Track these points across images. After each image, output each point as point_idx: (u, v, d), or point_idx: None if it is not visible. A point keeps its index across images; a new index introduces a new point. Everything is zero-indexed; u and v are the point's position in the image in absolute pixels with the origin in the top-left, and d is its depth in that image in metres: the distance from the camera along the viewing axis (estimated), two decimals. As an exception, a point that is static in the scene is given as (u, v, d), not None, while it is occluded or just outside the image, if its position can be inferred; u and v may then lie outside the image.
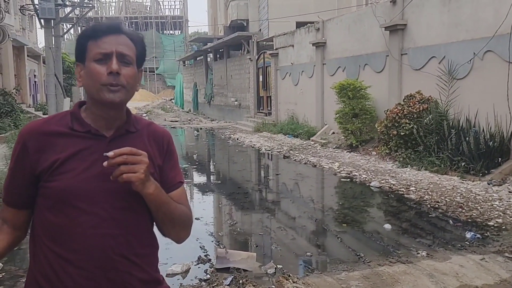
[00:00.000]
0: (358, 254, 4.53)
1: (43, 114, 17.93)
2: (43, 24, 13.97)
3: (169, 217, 1.34)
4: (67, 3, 15.82)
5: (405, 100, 9.41)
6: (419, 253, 4.50)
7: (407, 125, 8.82)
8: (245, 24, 25.92)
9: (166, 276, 4.11)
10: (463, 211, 5.93)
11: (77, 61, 1.35)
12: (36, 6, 14.12)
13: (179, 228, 1.40)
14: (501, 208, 5.95)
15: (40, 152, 1.28)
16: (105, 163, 1.20)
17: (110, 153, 1.19)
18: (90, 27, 1.34)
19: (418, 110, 8.86)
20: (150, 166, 1.27)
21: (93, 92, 1.30)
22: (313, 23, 14.57)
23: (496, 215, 5.69)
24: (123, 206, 1.29)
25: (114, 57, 1.28)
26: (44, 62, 19.84)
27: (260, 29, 23.58)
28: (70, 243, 1.26)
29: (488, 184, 7.01)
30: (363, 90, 11.00)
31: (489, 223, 5.42)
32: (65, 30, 23.04)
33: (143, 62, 1.39)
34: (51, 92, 13.76)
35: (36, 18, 15.22)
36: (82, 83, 1.34)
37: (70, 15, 18.98)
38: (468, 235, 5.00)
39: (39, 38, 33.94)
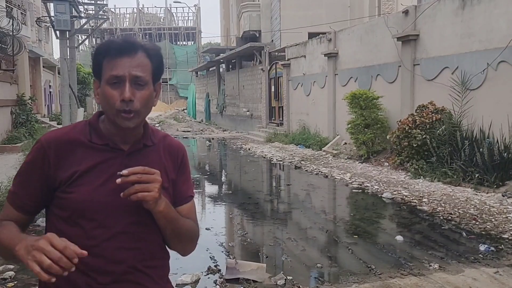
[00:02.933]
0: (369, 266, 4.48)
1: (58, 124, 18.18)
2: (58, 35, 14.23)
3: (177, 233, 1.37)
4: (82, 15, 16.11)
5: (418, 110, 9.35)
6: (431, 266, 4.43)
7: (419, 135, 8.75)
8: (258, 35, 26.08)
9: (175, 286, 4.11)
10: (477, 223, 5.84)
11: (94, 77, 1.35)
12: (52, 18, 14.40)
13: (186, 242, 1.44)
14: (516, 221, 5.84)
15: (61, 162, 1.29)
16: (118, 180, 1.20)
17: (124, 172, 1.20)
18: (105, 43, 1.32)
19: (430, 121, 8.79)
20: (164, 180, 1.30)
21: (109, 115, 1.30)
22: (325, 33, 14.60)
23: (511, 228, 5.59)
24: (137, 221, 1.31)
25: (127, 82, 1.26)
26: (59, 73, 20.17)
27: (272, 40, 23.70)
28: (87, 255, 1.22)
29: (503, 196, 6.90)
30: (375, 100, 10.96)
31: (503, 236, 5.33)
32: (80, 42, 23.43)
33: (160, 75, 1.37)
34: (65, 102, 13.96)
35: (52, 29, 15.51)
36: (99, 102, 1.34)
37: (85, 26, 19.31)
38: (482, 247, 4.91)
39: (55, 49, 34.58)
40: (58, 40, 14.31)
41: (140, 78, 1.27)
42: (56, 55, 30.29)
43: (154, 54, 1.32)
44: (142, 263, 1.32)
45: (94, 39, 44.24)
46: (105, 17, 18.86)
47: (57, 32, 14.10)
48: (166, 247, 1.42)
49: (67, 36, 14.21)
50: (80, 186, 1.27)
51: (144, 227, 1.32)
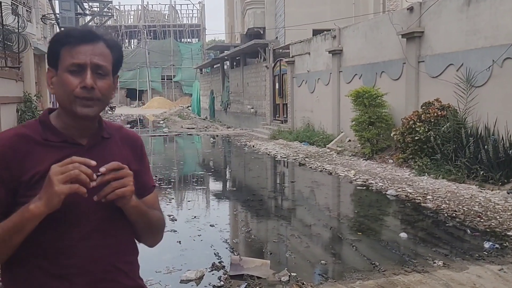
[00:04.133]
0: (373, 262, 4.49)
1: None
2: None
3: (148, 225, 1.36)
4: (87, 12, 16.16)
5: (423, 107, 9.32)
6: (435, 263, 4.43)
7: (422, 128, 8.73)
8: (262, 32, 26.05)
9: (180, 283, 4.14)
10: (482, 220, 5.82)
11: (49, 66, 1.29)
12: (57, 15, 14.45)
13: (156, 234, 1.44)
14: (521, 218, 5.82)
15: (19, 163, 1.21)
16: (93, 183, 1.14)
17: (103, 169, 1.16)
18: (64, 32, 1.27)
19: (435, 116, 8.76)
20: None
21: (65, 104, 1.25)
22: (330, 30, 14.57)
23: (515, 225, 5.58)
24: (110, 216, 1.28)
25: (89, 70, 1.22)
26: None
27: (277, 37, 23.66)
28: (60, 257, 1.22)
29: (508, 193, 6.87)
30: (379, 98, 10.93)
31: (508, 233, 5.31)
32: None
33: (119, 68, 1.34)
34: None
35: (57, 27, 15.56)
36: (53, 91, 1.28)
37: (90, 24, 19.34)
38: (486, 245, 4.90)
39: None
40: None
41: (102, 67, 1.25)
42: (61, 52, 30.31)
43: (114, 45, 1.30)
44: (118, 260, 1.30)
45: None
46: (109, 14, 18.92)
47: (62, 29, 14.15)
48: (136, 241, 1.40)
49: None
50: (40, 189, 1.17)
51: (117, 222, 1.30)
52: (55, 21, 15.91)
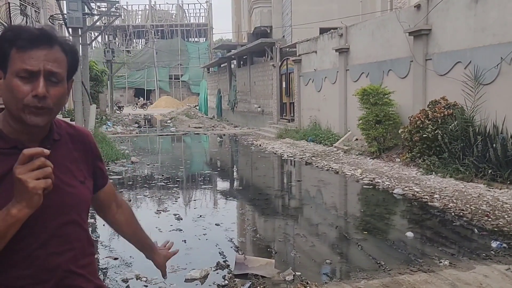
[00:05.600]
0: (378, 262, 4.46)
1: (71, 120, 18.38)
2: (71, 33, 14.36)
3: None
4: (94, 12, 16.23)
5: (430, 106, 9.25)
6: (441, 262, 4.39)
7: (430, 127, 8.66)
8: (269, 31, 26.00)
9: (184, 281, 4.14)
10: (489, 219, 5.76)
11: None
12: (65, 15, 14.54)
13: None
14: (529, 217, 5.76)
15: None
16: None
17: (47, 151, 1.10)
18: (15, 31, 1.15)
19: (442, 115, 8.69)
20: (79, 175, 1.30)
21: (13, 111, 1.16)
22: (337, 29, 14.51)
23: (524, 224, 5.51)
24: (65, 221, 1.24)
25: (42, 77, 1.13)
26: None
27: (284, 36, 23.61)
28: (16, 269, 1.17)
29: (516, 192, 6.80)
30: (386, 96, 10.86)
31: (516, 233, 5.26)
32: (92, 39, 23.61)
33: (74, 72, 1.27)
34: (78, 99, 14.10)
35: (65, 27, 15.66)
36: (0, 95, 1.18)
37: (97, 23, 19.45)
38: (494, 244, 4.85)
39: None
40: (71, 37, 14.44)
41: (56, 74, 1.16)
42: (69, 52, 30.48)
43: (70, 49, 1.21)
44: (75, 264, 1.26)
45: (106, 36, 44.53)
46: (117, 14, 19.00)
47: (70, 29, 14.23)
48: (92, 241, 1.39)
49: (80, 33, 14.33)
50: None
51: (74, 225, 1.27)
52: (62, 21, 16.01)
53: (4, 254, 1.13)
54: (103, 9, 18.21)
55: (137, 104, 45.27)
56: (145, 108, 42.87)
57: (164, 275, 1.77)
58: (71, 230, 1.25)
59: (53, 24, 22.57)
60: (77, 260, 1.27)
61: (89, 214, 1.42)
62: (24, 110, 1.14)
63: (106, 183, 1.49)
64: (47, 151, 1.07)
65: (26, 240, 1.17)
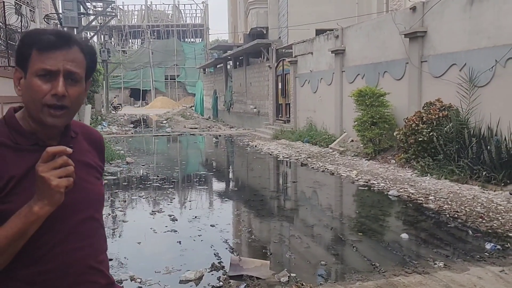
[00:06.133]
0: (373, 263, 4.46)
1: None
2: (66, 32, 14.31)
3: None
4: (90, 12, 16.18)
5: (425, 107, 9.28)
6: (436, 264, 4.40)
7: (425, 130, 8.69)
8: (265, 32, 26.01)
9: (179, 283, 4.13)
10: (484, 221, 5.79)
11: (17, 66, 1.22)
12: (60, 15, 14.48)
13: None
14: (523, 219, 5.78)
15: None
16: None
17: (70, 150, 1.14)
18: (36, 32, 1.20)
19: (437, 117, 8.72)
20: (95, 171, 1.34)
21: (32, 111, 1.19)
22: (333, 30, 14.53)
23: (518, 226, 5.54)
24: (84, 217, 1.27)
25: (61, 77, 1.16)
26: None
27: (280, 37, 23.63)
28: (38, 264, 1.19)
29: (510, 194, 6.83)
30: (381, 97, 10.89)
31: (510, 234, 5.28)
32: (88, 38, 23.53)
33: (92, 73, 1.30)
34: (73, 99, 14.04)
35: (60, 26, 15.59)
36: (21, 94, 1.21)
37: (93, 23, 19.39)
38: (488, 246, 4.87)
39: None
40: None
41: (75, 74, 1.19)
42: (65, 52, 30.34)
43: (89, 50, 1.25)
44: (94, 260, 1.29)
45: (102, 36, 44.38)
46: (113, 14, 18.95)
47: (65, 29, 14.18)
48: (106, 237, 1.42)
49: (75, 33, 14.30)
50: (20, 194, 1.15)
51: (93, 222, 1.30)
52: (58, 20, 15.95)
53: (25, 250, 1.15)
54: (99, 9, 18.17)
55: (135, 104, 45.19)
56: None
57: None
58: (89, 226, 1.29)
59: (48, 23, 22.50)
60: (96, 256, 1.31)
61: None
62: (43, 111, 1.17)
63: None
64: (69, 150, 1.10)
65: (47, 236, 1.19)
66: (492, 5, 8.21)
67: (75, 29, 14.07)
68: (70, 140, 1.29)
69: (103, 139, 1.48)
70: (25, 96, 1.20)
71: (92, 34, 25.98)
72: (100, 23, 23.38)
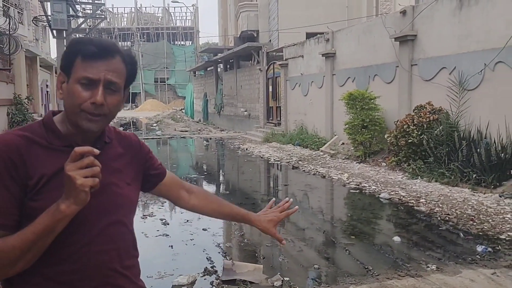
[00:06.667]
0: (366, 267, 4.46)
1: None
2: (55, 34, 14.18)
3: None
4: (79, 14, 16.06)
5: (415, 111, 9.34)
6: (428, 267, 4.42)
7: (416, 132, 8.75)
8: (255, 35, 26.06)
9: (171, 288, 4.09)
10: (474, 224, 5.83)
11: (62, 71, 1.27)
12: (49, 17, 14.35)
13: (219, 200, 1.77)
14: (513, 221, 5.83)
15: (26, 166, 1.19)
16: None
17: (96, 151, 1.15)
18: (81, 41, 1.25)
19: (428, 120, 8.78)
20: (127, 177, 1.36)
21: (70, 114, 1.24)
22: (323, 33, 14.59)
23: (508, 228, 5.59)
24: (112, 221, 1.29)
25: (101, 86, 1.21)
26: (56, 72, 20.10)
27: (270, 40, 23.68)
28: (64, 264, 1.22)
29: (500, 196, 6.89)
30: (372, 101, 10.95)
31: (500, 237, 5.32)
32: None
33: (132, 82, 1.34)
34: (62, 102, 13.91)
35: (49, 29, 15.46)
36: (62, 97, 1.27)
37: (83, 26, 19.25)
38: (479, 248, 4.90)
39: (52, 49, 34.41)
40: (55, 39, 14.26)
41: (115, 84, 1.23)
42: (54, 54, 30.20)
43: (130, 60, 1.29)
44: (120, 264, 1.31)
45: (91, 39, 44.09)
46: (102, 16, 18.82)
47: (54, 31, 14.05)
48: (136, 244, 1.42)
49: (64, 36, 14.17)
50: (50, 192, 1.18)
51: (121, 226, 1.31)
52: (47, 23, 15.80)
53: (52, 249, 1.18)
54: (88, 11, 18.04)
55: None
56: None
57: (279, 240, 1.79)
58: (116, 230, 1.30)
59: (36, 25, 22.31)
60: (122, 260, 1.32)
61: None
62: (80, 115, 1.22)
63: (164, 175, 1.56)
64: (96, 151, 1.12)
65: (74, 237, 1.21)
66: (481, 9, 8.30)
67: (64, 31, 13.93)
68: (104, 145, 1.32)
69: (137, 137, 1.51)
70: (65, 100, 1.25)
71: (82, 36, 25.79)
72: (90, 26, 23.23)
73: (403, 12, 10.45)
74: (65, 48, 1.27)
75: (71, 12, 14.36)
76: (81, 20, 17.05)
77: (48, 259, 1.20)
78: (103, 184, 1.16)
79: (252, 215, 1.73)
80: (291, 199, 1.79)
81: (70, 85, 1.23)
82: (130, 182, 1.38)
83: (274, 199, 1.83)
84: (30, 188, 1.18)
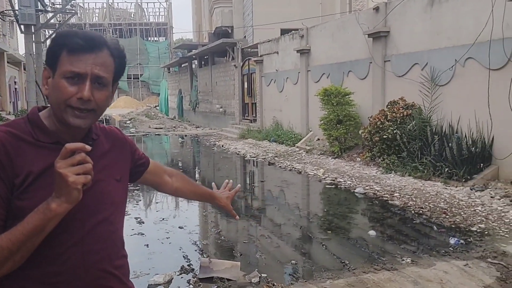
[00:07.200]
0: (343, 261, 4.50)
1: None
2: (23, 30, 13.75)
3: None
4: (48, 8, 15.62)
5: (389, 106, 9.47)
6: (403, 260, 4.48)
7: (390, 128, 8.87)
8: (230, 31, 25.94)
9: (148, 287, 4.02)
10: (447, 217, 5.95)
11: (47, 65, 1.22)
12: (16, 11, 13.90)
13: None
14: (483, 214, 5.99)
15: (13, 163, 1.14)
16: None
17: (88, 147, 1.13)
18: (67, 34, 1.20)
19: (401, 116, 8.92)
20: (115, 173, 1.33)
21: (57, 110, 1.19)
22: (297, 30, 14.63)
23: (478, 221, 5.73)
24: (100, 219, 1.26)
25: (88, 81, 1.17)
26: (25, 69, 19.54)
27: (245, 36, 23.62)
28: (52, 265, 1.18)
29: (471, 189, 7.07)
30: (347, 96, 11.04)
31: (472, 229, 5.45)
32: (46, 36, 22.72)
33: (121, 76, 1.30)
34: (31, 99, 13.54)
35: (17, 23, 14.98)
36: (47, 93, 1.22)
37: (52, 21, 18.73)
38: (452, 241, 5.01)
39: (20, 44, 33.44)
40: (23, 34, 13.84)
41: (102, 78, 1.19)
42: (22, 50, 29.29)
43: (118, 54, 1.25)
44: (110, 264, 1.28)
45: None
46: (73, 11, 18.34)
47: (22, 26, 13.62)
48: (124, 243, 1.40)
49: (33, 31, 13.75)
50: (37, 191, 1.14)
51: (109, 225, 1.29)
52: (14, 17, 15.31)
53: (39, 249, 1.13)
54: (58, 6, 17.57)
55: None
56: None
57: (234, 215, 1.92)
58: (105, 229, 1.27)
59: (3, 20, 21.59)
60: (112, 260, 1.29)
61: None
62: (67, 111, 1.17)
63: (148, 163, 1.57)
64: (88, 147, 1.09)
65: (62, 237, 1.18)
66: (451, 7, 8.46)
67: (32, 26, 13.51)
68: (92, 142, 1.28)
69: (120, 130, 1.48)
70: (51, 96, 1.20)
71: (51, 32, 25.13)
72: (60, 21, 22.64)
73: (376, 9, 10.57)
74: (50, 41, 1.22)
75: (40, 7, 13.94)
76: (50, 15, 16.59)
77: (35, 260, 1.15)
78: (92, 182, 1.12)
79: (216, 193, 1.87)
80: (231, 180, 2.01)
81: (55, 80, 1.18)
82: (119, 178, 1.35)
83: (230, 180, 1.97)
84: (16, 187, 1.14)
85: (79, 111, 1.17)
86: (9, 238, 1.07)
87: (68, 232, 1.19)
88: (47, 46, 1.23)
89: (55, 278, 1.18)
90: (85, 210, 1.21)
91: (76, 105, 1.16)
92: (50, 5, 16.82)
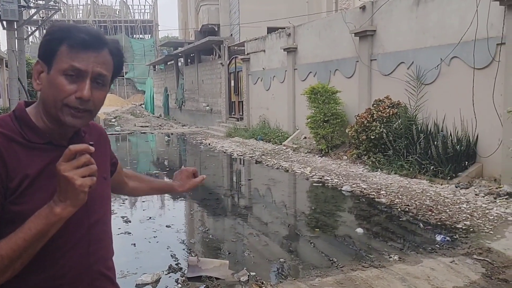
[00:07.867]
0: (331, 259, 4.51)
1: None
2: (5, 26, 13.50)
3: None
4: (31, 4, 15.36)
5: (375, 105, 9.54)
6: (391, 257, 4.51)
7: (377, 127, 8.93)
8: (216, 29, 25.84)
9: (135, 287, 3.98)
10: (433, 214, 6.02)
11: (40, 60, 1.14)
12: (-1, 7, 13.65)
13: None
14: (468, 211, 6.07)
15: (7, 165, 1.07)
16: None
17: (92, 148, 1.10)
18: (68, 28, 1.14)
19: (388, 115, 8.98)
20: (103, 170, 1.30)
21: (51, 108, 1.13)
22: (284, 28, 14.64)
23: (464, 218, 5.80)
24: (95, 220, 1.24)
25: (89, 80, 1.12)
26: (7, 66, 19.18)
27: (232, 34, 23.55)
28: (50, 270, 1.15)
29: (456, 187, 7.15)
30: (333, 95, 11.09)
31: (457, 226, 5.51)
32: (29, 33, 22.35)
33: (117, 76, 1.26)
34: (14, 96, 13.30)
35: (-1, 20, 14.69)
36: (39, 88, 1.15)
37: (35, 17, 18.43)
38: (438, 238, 5.06)
39: (2, 41, 32.81)
40: (5, 31, 13.58)
41: (103, 76, 1.15)
42: (4, 47, 28.73)
43: (117, 52, 1.21)
44: (104, 265, 1.27)
45: (44, 31, 42.46)
46: (56, 8, 18.06)
47: (4, 22, 13.37)
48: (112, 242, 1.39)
49: (15, 27, 13.51)
50: (33, 194, 1.10)
51: (102, 225, 1.27)
52: (-4, 13, 15.01)
53: (39, 254, 1.09)
54: (41, 2, 17.27)
55: None
56: None
57: (200, 180, 1.79)
58: (100, 230, 1.25)
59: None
60: (105, 261, 1.28)
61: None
62: (63, 110, 1.12)
63: (117, 162, 1.51)
64: (92, 148, 1.05)
65: (59, 241, 1.14)
66: (437, 6, 8.55)
67: (15, 22, 13.28)
68: (82, 139, 1.22)
69: (102, 127, 1.45)
70: (45, 92, 1.13)
71: (33, 28, 24.72)
72: (43, 18, 22.23)
73: (363, 8, 10.62)
74: (45, 34, 1.15)
75: (23, 3, 13.71)
76: (33, 11, 16.30)
77: (33, 265, 1.11)
78: None
79: (175, 183, 1.74)
80: (205, 176, 1.91)
81: (52, 76, 1.12)
82: (105, 176, 1.32)
83: (195, 168, 1.84)
84: (11, 191, 1.08)
85: (77, 110, 1.12)
86: (10, 246, 1.02)
87: (65, 236, 1.15)
88: (42, 39, 1.15)
89: (54, 283, 1.16)
90: (82, 211, 1.15)
91: (74, 104, 1.11)
92: (33, 1, 16.53)
